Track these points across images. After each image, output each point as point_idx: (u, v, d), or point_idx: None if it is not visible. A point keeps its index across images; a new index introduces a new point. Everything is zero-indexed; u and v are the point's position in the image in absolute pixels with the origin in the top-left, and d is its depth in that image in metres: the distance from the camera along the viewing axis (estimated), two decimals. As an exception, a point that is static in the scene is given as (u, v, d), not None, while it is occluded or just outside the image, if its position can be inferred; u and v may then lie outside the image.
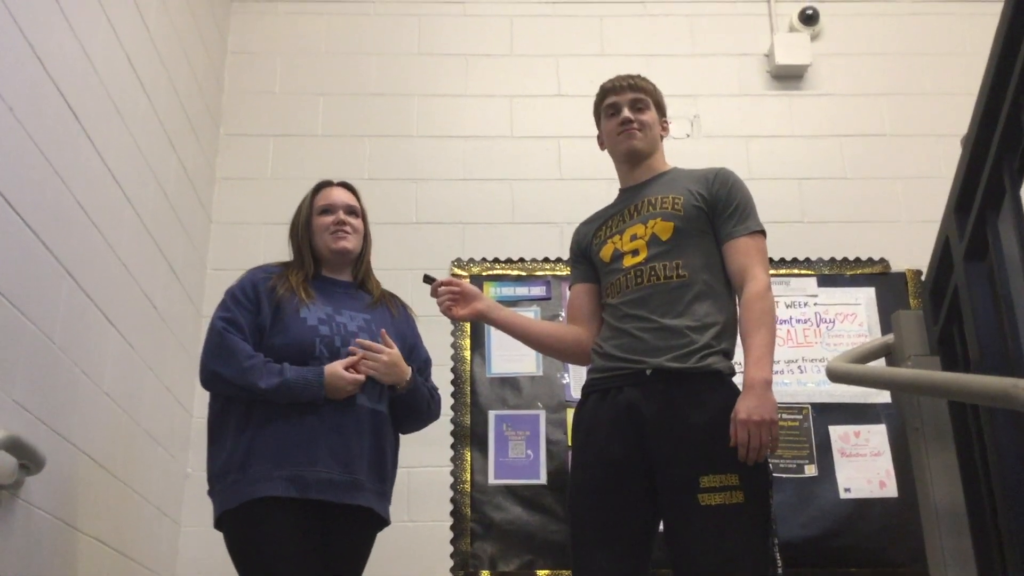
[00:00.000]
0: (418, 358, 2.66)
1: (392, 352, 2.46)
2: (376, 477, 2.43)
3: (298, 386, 2.35)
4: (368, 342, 2.44)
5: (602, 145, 2.59)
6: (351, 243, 2.62)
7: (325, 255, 2.62)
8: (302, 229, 2.64)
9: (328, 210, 2.63)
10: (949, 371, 2.01)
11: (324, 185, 2.70)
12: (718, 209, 2.38)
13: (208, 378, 2.43)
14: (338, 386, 2.37)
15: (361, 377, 2.40)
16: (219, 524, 2.38)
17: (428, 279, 2.53)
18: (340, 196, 2.66)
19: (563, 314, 3.82)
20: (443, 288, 2.49)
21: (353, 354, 2.43)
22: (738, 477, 2.13)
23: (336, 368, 2.38)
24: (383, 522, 2.50)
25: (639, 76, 2.54)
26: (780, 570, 2.20)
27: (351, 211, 2.65)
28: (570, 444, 3.31)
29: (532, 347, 2.61)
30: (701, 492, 2.12)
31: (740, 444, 2.12)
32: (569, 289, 2.62)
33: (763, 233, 2.38)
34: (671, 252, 2.34)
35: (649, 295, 2.32)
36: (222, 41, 4.18)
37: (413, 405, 2.54)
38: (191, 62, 3.69)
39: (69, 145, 2.57)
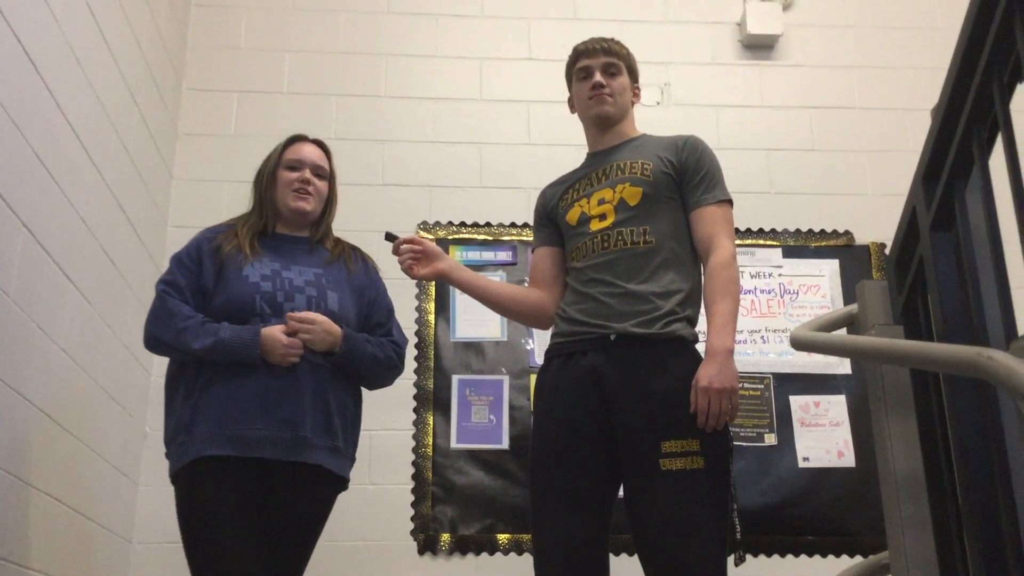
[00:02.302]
0: (379, 310, 2.61)
1: (320, 319, 2.40)
2: (324, 433, 2.38)
3: (232, 345, 2.32)
4: (299, 314, 2.38)
5: (572, 108, 2.57)
6: (310, 205, 2.57)
7: (283, 211, 2.58)
8: (267, 180, 2.59)
9: (295, 166, 2.58)
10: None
11: (297, 139, 2.65)
12: (686, 176, 2.37)
13: (147, 341, 2.44)
14: (275, 350, 2.33)
15: (297, 342, 2.36)
16: (173, 485, 2.39)
17: (390, 236, 2.49)
18: (311, 154, 2.61)
19: (529, 279, 3.80)
20: (405, 246, 2.45)
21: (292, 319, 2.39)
22: (699, 443, 2.14)
23: (274, 331, 2.35)
24: (339, 480, 2.45)
25: (613, 40, 2.52)
26: (739, 536, 2.21)
27: (318, 172, 2.60)
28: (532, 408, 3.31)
29: (493, 309, 2.58)
30: (663, 457, 2.13)
31: (700, 411, 2.13)
32: (532, 252, 2.60)
33: (730, 202, 2.38)
34: (639, 218, 2.33)
35: (615, 260, 2.31)
36: (186, -6, 4.09)
37: (356, 363, 2.47)
38: (154, 14, 3.60)
39: (28, 96, 2.50)
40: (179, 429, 2.34)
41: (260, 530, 2.29)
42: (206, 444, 2.29)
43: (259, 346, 2.33)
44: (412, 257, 2.45)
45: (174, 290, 2.42)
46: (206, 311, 2.40)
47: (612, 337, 2.24)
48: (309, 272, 2.51)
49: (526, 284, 3.76)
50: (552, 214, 2.51)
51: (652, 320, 2.24)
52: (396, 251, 2.47)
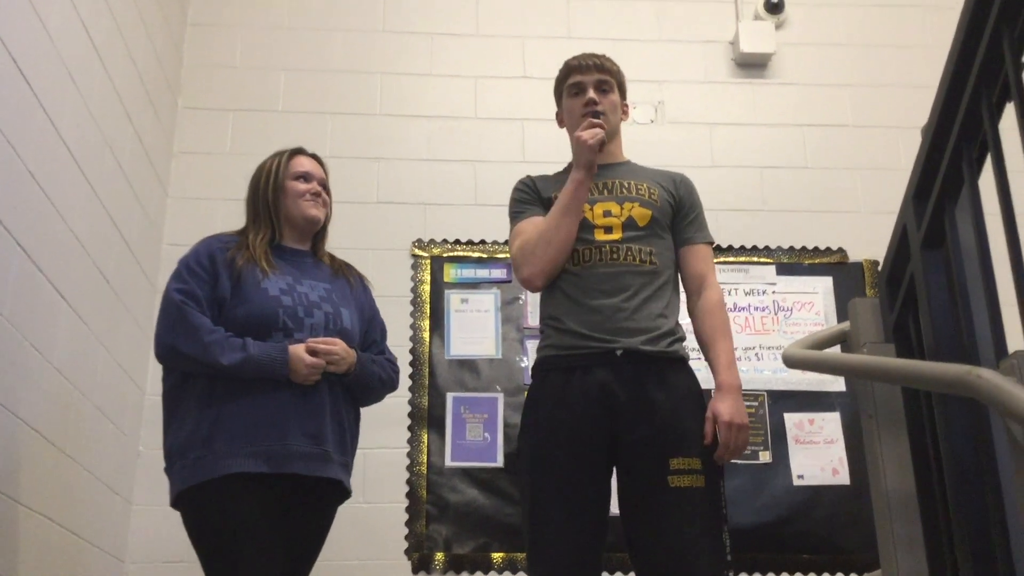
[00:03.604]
0: (375, 328, 2.65)
1: (339, 343, 2.42)
2: (340, 449, 2.43)
3: (262, 363, 2.32)
4: (321, 339, 2.40)
5: (561, 123, 2.57)
6: (323, 214, 2.62)
7: (296, 221, 2.58)
8: (272, 192, 2.58)
9: (306, 177, 2.60)
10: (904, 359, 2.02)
11: (300, 152, 2.67)
12: (682, 212, 2.45)
13: (165, 353, 2.37)
14: (299, 369, 2.34)
15: (321, 362, 2.36)
16: (177, 502, 2.33)
17: (595, 113, 2.40)
18: (316, 168, 2.65)
19: (523, 296, 3.80)
20: (594, 122, 2.38)
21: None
22: (700, 462, 2.18)
23: (299, 350, 2.35)
24: (347, 495, 2.50)
25: (605, 56, 2.53)
26: (730, 556, 2.21)
27: (324, 185, 2.64)
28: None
29: (568, 228, 2.33)
30: (671, 474, 2.16)
31: (723, 445, 2.18)
32: (520, 223, 2.46)
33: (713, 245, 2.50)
34: (645, 239, 2.38)
35: (624, 273, 2.33)
36: (182, 12, 4.11)
37: (365, 384, 2.51)
38: (150, 32, 3.62)
39: (21, 114, 2.51)
40: (192, 444, 2.29)
41: (283, 547, 2.29)
42: (232, 460, 2.26)
43: (287, 364, 2.33)
44: (596, 129, 2.36)
45: (192, 300, 2.37)
46: (223, 322, 2.37)
47: (618, 352, 2.25)
48: (319, 287, 2.52)
49: (521, 300, 3.79)
50: (546, 204, 2.45)
51: (658, 338, 2.28)
52: (590, 115, 2.40)
